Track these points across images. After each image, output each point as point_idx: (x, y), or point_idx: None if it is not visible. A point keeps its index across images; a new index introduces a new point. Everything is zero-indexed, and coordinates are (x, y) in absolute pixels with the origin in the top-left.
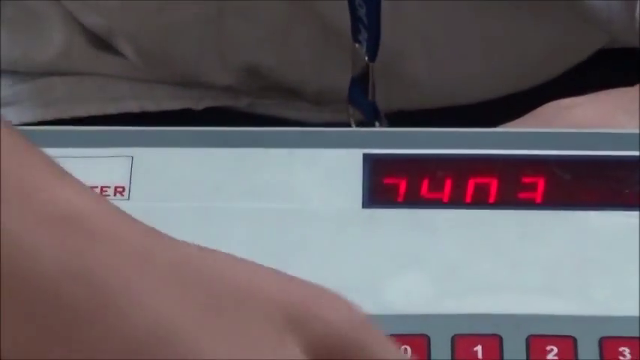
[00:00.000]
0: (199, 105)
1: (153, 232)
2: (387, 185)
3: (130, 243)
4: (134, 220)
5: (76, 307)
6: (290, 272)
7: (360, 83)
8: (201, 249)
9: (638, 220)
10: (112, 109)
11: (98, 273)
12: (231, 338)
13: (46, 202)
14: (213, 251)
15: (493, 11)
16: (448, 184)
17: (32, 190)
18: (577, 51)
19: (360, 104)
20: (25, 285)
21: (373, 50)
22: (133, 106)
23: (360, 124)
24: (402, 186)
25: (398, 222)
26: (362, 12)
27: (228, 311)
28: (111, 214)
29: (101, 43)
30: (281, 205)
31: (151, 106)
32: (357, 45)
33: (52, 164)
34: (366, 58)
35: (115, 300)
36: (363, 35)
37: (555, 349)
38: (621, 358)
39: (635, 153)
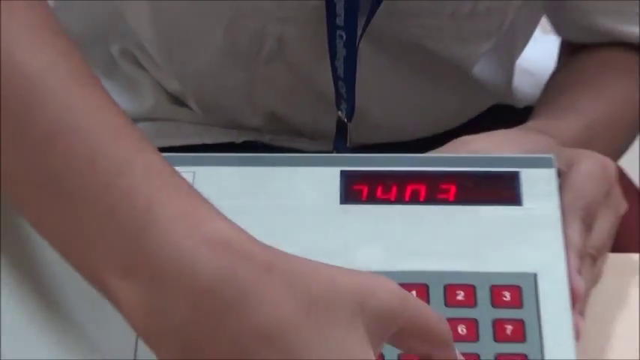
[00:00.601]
0: (239, 139)
1: (272, 249)
2: (356, 190)
3: (260, 258)
4: (261, 243)
5: (226, 301)
6: (293, 245)
7: (342, 136)
8: (301, 259)
9: (512, 211)
10: (183, 142)
11: (240, 279)
12: (319, 325)
13: (208, 231)
14: (302, 259)
15: (424, 83)
16: (394, 189)
17: (199, 222)
18: (477, 107)
19: (342, 151)
20: (191, 285)
21: (350, 115)
22: (196, 140)
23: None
24: (365, 190)
25: (363, 213)
26: (343, 90)
27: (319, 305)
28: (248, 239)
29: (177, 100)
30: (286, 202)
31: (208, 140)
32: (339, 112)
33: (208, 203)
34: (345, 120)
35: (252, 297)
36: (344, 105)
37: (462, 293)
38: (504, 298)
39: (510, 169)
